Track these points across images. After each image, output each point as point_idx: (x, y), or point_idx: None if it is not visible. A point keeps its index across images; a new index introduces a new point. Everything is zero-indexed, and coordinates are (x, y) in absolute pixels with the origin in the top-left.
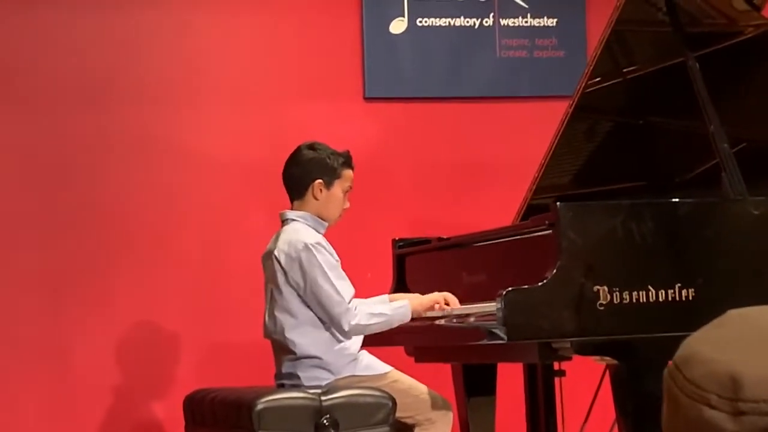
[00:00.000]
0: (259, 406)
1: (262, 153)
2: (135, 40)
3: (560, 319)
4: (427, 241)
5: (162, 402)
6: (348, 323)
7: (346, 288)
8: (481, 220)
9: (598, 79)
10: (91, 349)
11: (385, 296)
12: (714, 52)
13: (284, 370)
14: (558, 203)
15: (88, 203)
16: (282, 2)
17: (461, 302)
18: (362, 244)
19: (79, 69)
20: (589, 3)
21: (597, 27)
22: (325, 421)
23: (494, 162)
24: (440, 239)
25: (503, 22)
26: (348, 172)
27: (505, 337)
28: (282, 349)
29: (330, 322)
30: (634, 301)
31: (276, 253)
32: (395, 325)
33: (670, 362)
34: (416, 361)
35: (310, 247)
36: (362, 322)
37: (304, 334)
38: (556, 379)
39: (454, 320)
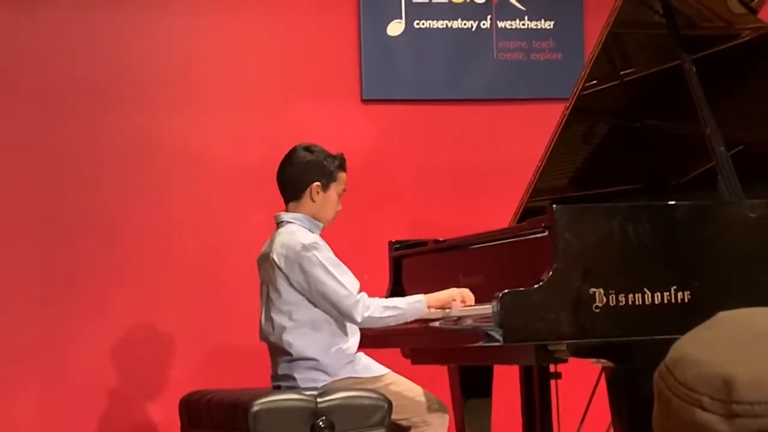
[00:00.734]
0: (255, 408)
1: (259, 155)
2: (132, 42)
3: (556, 322)
4: (423, 243)
5: (158, 403)
6: (360, 315)
7: (350, 281)
8: (478, 223)
9: (594, 81)
10: (88, 350)
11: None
12: (710, 55)
13: (280, 371)
14: (554, 206)
15: (84, 205)
16: (280, 4)
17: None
18: (359, 246)
19: (75, 71)
20: (587, 5)
21: (594, 29)
22: (321, 423)
23: (491, 164)
24: (437, 241)
25: (500, 24)
26: (342, 175)
27: (502, 339)
28: (278, 351)
29: (342, 316)
30: (630, 303)
31: (273, 255)
32: (410, 319)
33: (661, 365)
34: (412, 363)
35: (308, 247)
36: (375, 315)
37: (301, 336)
38: (552, 382)
39: (451, 322)
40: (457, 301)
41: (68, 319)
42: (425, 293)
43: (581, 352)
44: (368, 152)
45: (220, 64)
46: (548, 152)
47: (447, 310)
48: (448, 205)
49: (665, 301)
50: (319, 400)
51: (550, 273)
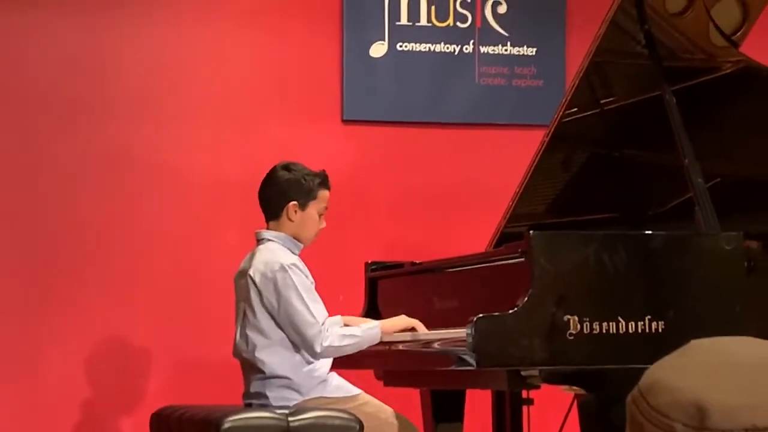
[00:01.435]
0: (226, 425)
1: (238, 172)
2: (111, 55)
3: (530, 348)
4: (400, 265)
5: (129, 418)
6: (321, 345)
7: (319, 310)
8: (456, 246)
9: (575, 109)
10: (60, 362)
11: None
12: (691, 86)
13: (252, 389)
14: (531, 231)
15: (60, 217)
16: (263, 22)
17: (432, 327)
18: (336, 266)
19: (53, 83)
20: (569, 33)
21: (576, 57)
22: None
23: (470, 188)
24: (413, 264)
25: (483, 49)
26: (324, 193)
27: (475, 364)
28: (251, 369)
29: (302, 343)
30: (604, 331)
31: (251, 272)
32: (365, 346)
33: (634, 390)
34: (385, 384)
35: (286, 267)
36: (335, 344)
37: (275, 354)
38: (524, 408)
39: (425, 345)
40: (417, 329)
41: (41, 331)
42: (400, 315)
43: (554, 379)
44: (347, 173)
45: (201, 80)
46: (527, 178)
47: (415, 333)
48: (426, 228)
49: (639, 330)
50: (290, 419)
51: (526, 299)
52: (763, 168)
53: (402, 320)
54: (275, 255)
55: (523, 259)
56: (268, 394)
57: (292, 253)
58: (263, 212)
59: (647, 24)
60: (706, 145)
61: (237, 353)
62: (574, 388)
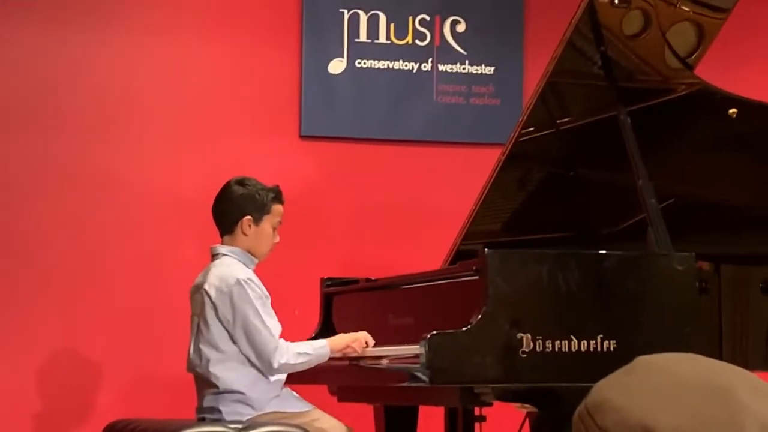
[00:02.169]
0: None
1: (195, 187)
2: (65, 68)
3: (483, 365)
4: (355, 281)
5: (82, 430)
6: (277, 361)
7: (275, 325)
8: (412, 263)
9: (531, 128)
10: (12, 375)
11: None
12: (646, 107)
13: (206, 404)
14: (486, 249)
15: (12, 230)
16: (221, 37)
17: (387, 344)
18: (292, 281)
19: (4, 94)
20: (527, 53)
21: (534, 77)
22: None
23: (427, 206)
24: (368, 280)
25: (441, 67)
26: (278, 207)
27: (428, 380)
28: (205, 383)
29: (258, 358)
30: (557, 350)
31: (206, 287)
32: (314, 365)
33: (581, 405)
34: (339, 400)
35: (242, 282)
36: (291, 361)
37: (229, 369)
38: (477, 425)
39: (379, 361)
40: (354, 347)
41: None
42: (355, 331)
43: (507, 397)
44: (304, 188)
45: (158, 94)
46: (483, 196)
47: (362, 351)
48: (381, 245)
49: (591, 349)
50: None
51: (479, 316)
52: (716, 190)
53: (348, 337)
54: (230, 269)
55: (477, 277)
56: (222, 408)
57: (247, 267)
58: (217, 227)
59: (603, 45)
60: (660, 166)
61: (191, 368)
62: (527, 405)
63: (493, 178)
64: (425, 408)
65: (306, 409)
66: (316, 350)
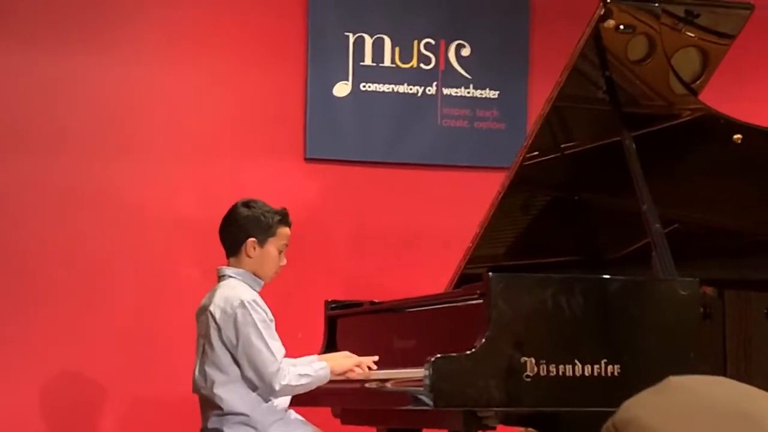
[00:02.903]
0: None
1: (197, 209)
2: (66, 88)
3: (487, 388)
4: (359, 304)
5: None
6: (279, 383)
7: (278, 348)
8: (415, 286)
9: (536, 152)
10: (14, 395)
11: (314, 356)
12: (651, 133)
13: (210, 425)
14: (490, 273)
15: (13, 251)
16: (226, 58)
17: (390, 367)
18: (296, 304)
19: (13, 115)
20: (531, 77)
21: (538, 101)
22: None
23: (431, 229)
24: (372, 303)
25: (446, 91)
26: (284, 230)
27: (432, 404)
28: (209, 405)
29: (260, 380)
30: (561, 374)
31: (211, 308)
32: (315, 386)
33: (609, 422)
34: (342, 423)
35: (246, 304)
36: (292, 383)
37: (233, 391)
38: None
39: (382, 384)
40: (356, 370)
41: None
42: (359, 355)
43: (510, 420)
44: (308, 211)
45: (164, 116)
46: (487, 220)
47: (363, 374)
48: (386, 268)
49: (595, 374)
50: None
51: (483, 340)
52: (720, 215)
53: (349, 362)
54: (235, 291)
55: (481, 301)
56: (226, 430)
57: (253, 289)
58: (224, 249)
59: (608, 70)
60: (664, 191)
61: (196, 389)
62: (530, 429)
63: (497, 203)
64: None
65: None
66: (316, 372)
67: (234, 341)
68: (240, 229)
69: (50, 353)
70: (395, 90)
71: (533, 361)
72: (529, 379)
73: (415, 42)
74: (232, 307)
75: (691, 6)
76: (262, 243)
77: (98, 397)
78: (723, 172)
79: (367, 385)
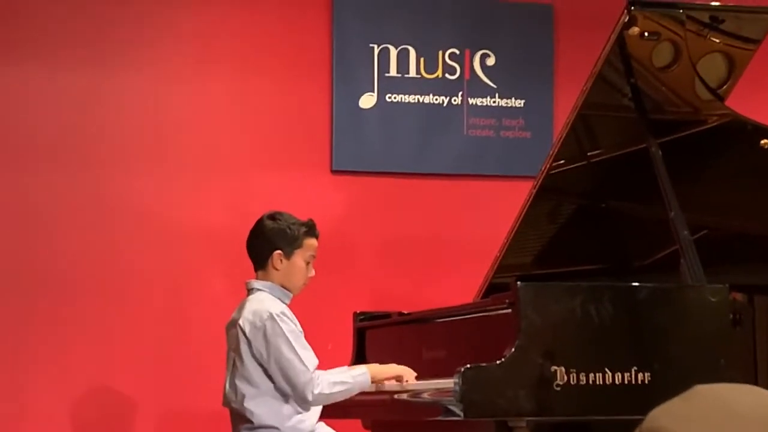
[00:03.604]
0: None
1: (226, 222)
2: (101, 103)
3: (517, 398)
4: (387, 315)
5: None
6: (311, 393)
7: (310, 358)
8: (443, 297)
9: (562, 161)
10: (45, 410)
11: (345, 367)
12: (677, 139)
13: None
14: (519, 282)
15: (44, 264)
16: (253, 72)
17: (420, 377)
18: (324, 316)
19: (39, 130)
20: (557, 86)
21: (564, 109)
22: None
23: (458, 239)
24: (401, 314)
25: (471, 101)
26: (311, 242)
27: (462, 414)
28: (240, 419)
29: (293, 391)
30: (591, 382)
31: (241, 322)
32: (355, 392)
33: (635, 430)
34: None
35: (275, 317)
36: (325, 391)
37: (263, 404)
38: None
39: (412, 395)
40: (400, 380)
41: (24, 380)
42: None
43: (541, 430)
44: (336, 222)
45: (191, 130)
46: (515, 229)
47: (405, 383)
48: (414, 278)
49: (626, 382)
50: None
51: (513, 349)
52: (748, 220)
53: (391, 368)
54: (264, 304)
55: (510, 310)
56: None
57: (282, 302)
58: (252, 262)
59: (634, 78)
60: (691, 198)
61: (226, 402)
62: None
63: (524, 211)
64: None
65: None
66: (355, 378)
67: (264, 354)
68: (266, 242)
69: (81, 366)
70: (421, 101)
71: (563, 370)
72: (559, 388)
73: (440, 52)
74: (261, 320)
75: (715, 11)
76: (288, 255)
77: (129, 411)
78: (750, 177)
79: (396, 396)
